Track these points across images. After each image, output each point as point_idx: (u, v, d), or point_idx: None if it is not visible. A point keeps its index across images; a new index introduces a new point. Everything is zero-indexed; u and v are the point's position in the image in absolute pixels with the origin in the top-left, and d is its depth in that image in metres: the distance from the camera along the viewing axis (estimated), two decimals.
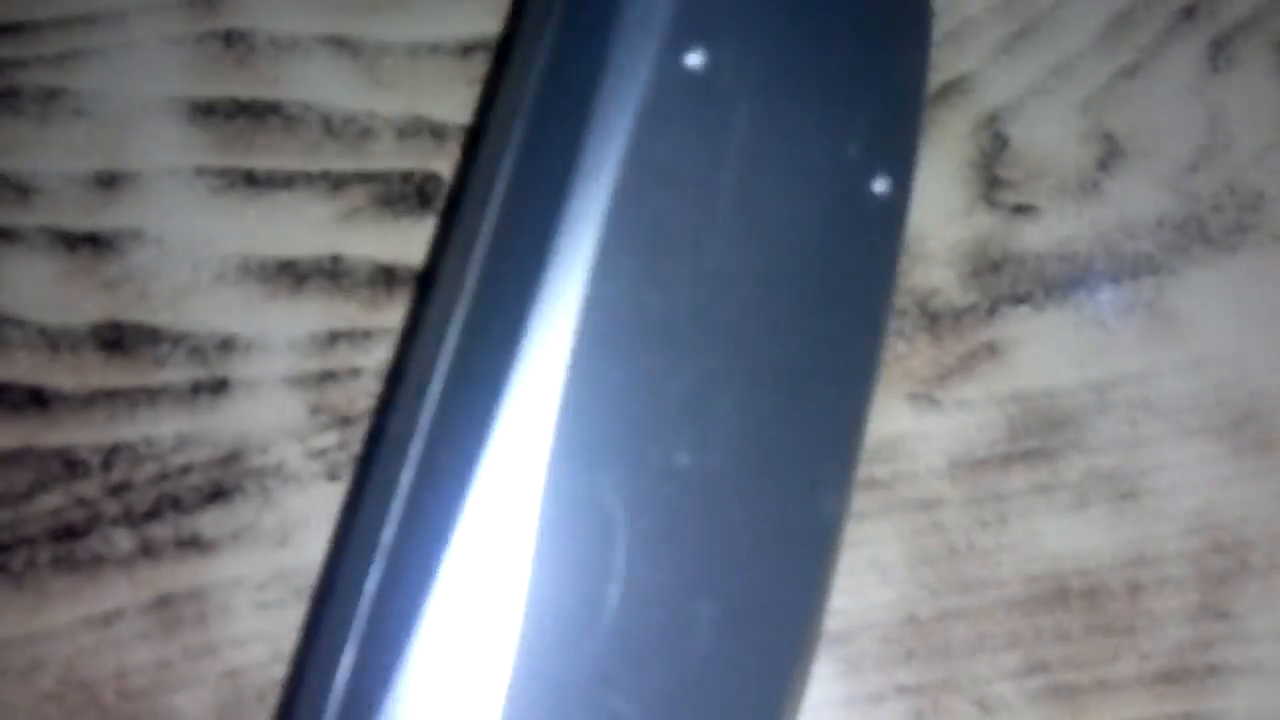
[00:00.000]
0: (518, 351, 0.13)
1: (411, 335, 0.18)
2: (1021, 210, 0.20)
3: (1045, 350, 0.19)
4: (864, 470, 0.18)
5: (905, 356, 0.19)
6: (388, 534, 0.14)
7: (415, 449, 0.14)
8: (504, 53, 0.20)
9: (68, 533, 0.17)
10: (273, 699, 0.17)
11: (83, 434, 0.18)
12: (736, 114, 0.14)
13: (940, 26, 0.20)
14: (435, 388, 0.14)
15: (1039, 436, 0.19)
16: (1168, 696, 0.18)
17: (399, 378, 0.18)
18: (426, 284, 0.19)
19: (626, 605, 0.13)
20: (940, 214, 0.19)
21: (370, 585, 0.14)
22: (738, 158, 0.14)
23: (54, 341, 0.18)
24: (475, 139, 0.19)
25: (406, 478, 0.14)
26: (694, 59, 0.14)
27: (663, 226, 0.14)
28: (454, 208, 0.19)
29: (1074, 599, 0.18)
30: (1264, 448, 0.19)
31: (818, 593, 0.14)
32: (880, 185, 0.15)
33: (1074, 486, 0.18)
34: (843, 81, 0.15)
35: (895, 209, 0.15)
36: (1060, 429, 0.19)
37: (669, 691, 0.13)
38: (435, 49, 0.20)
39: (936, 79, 0.20)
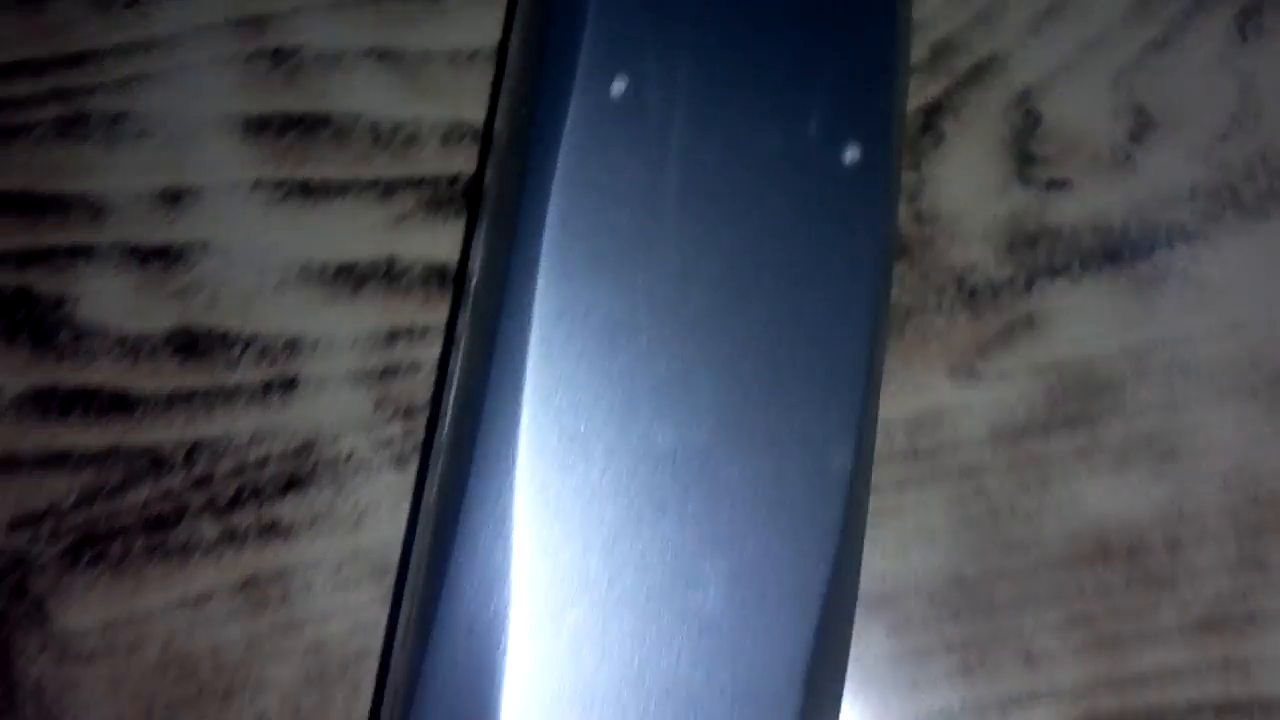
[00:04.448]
0: (493, 352, 0.15)
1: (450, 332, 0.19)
2: (1055, 185, 0.20)
3: (1082, 320, 0.19)
4: (907, 441, 0.19)
5: (945, 332, 0.19)
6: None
7: (445, 439, 0.15)
8: (502, 61, 0.20)
9: (158, 523, 0.19)
10: (354, 669, 0.18)
11: (165, 433, 0.19)
12: (674, 120, 0.15)
13: (970, 7, 0.21)
14: (456, 387, 0.15)
15: (1078, 403, 0.19)
16: (1208, 643, 0.18)
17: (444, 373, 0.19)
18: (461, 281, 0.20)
19: (631, 580, 0.13)
20: (975, 192, 0.20)
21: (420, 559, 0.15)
22: (683, 160, 0.15)
23: (134, 349, 0.19)
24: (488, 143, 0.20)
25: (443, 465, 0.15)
26: (618, 85, 0.15)
27: (619, 231, 0.15)
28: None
29: (1115, 555, 0.19)
30: None
31: (836, 550, 0.14)
32: (851, 154, 0.15)
33: (1114, 449, 0.19)
34: (793, 59, 0.15)
35: (874, 174, 0.15)
36: (1099, 395, 0.19)
37: (683, 660, 0.14)
38: (474, 56, 0.21)
39: (967, 60, 0.20)
